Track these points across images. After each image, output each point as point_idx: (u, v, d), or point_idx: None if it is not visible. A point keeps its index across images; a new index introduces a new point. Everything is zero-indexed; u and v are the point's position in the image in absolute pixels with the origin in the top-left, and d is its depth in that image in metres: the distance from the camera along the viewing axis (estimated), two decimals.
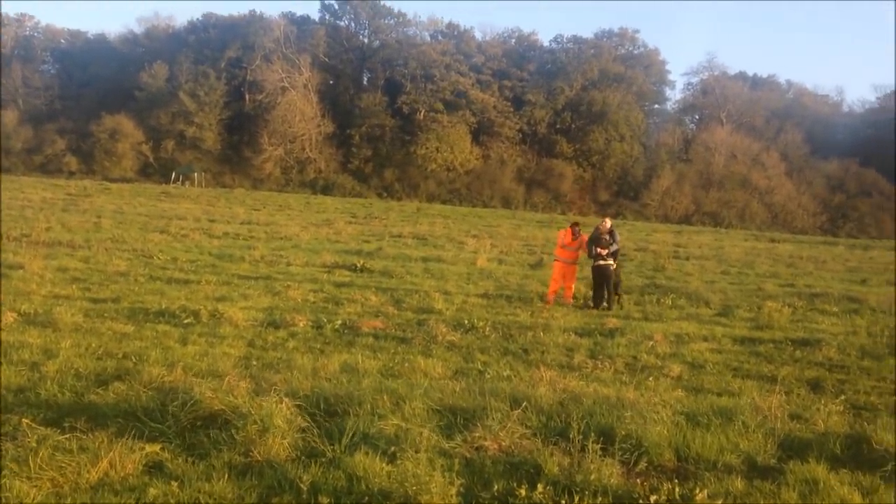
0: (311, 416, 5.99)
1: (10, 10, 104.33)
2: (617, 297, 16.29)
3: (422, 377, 8.02)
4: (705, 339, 12.69)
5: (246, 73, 76.75)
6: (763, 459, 6.03)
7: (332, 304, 14.20)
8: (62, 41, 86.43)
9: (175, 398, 5.95)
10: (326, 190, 72.20)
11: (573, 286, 16.75)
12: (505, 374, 8.74)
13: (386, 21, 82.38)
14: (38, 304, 11.69)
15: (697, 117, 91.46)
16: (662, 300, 17.44)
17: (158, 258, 20.36)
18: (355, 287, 16.75)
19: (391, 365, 8.84)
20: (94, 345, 8.91)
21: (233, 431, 5.60)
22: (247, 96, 77.43)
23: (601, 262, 15.82)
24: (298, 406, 6.08)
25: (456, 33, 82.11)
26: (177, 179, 70.31)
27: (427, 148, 73.40)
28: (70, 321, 10.14)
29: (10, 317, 10.08)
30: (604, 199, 76.93)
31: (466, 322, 12.31)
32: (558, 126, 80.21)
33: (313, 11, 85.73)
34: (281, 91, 74.70)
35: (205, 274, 17.53)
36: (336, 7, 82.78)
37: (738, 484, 5.45)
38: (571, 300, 16.48)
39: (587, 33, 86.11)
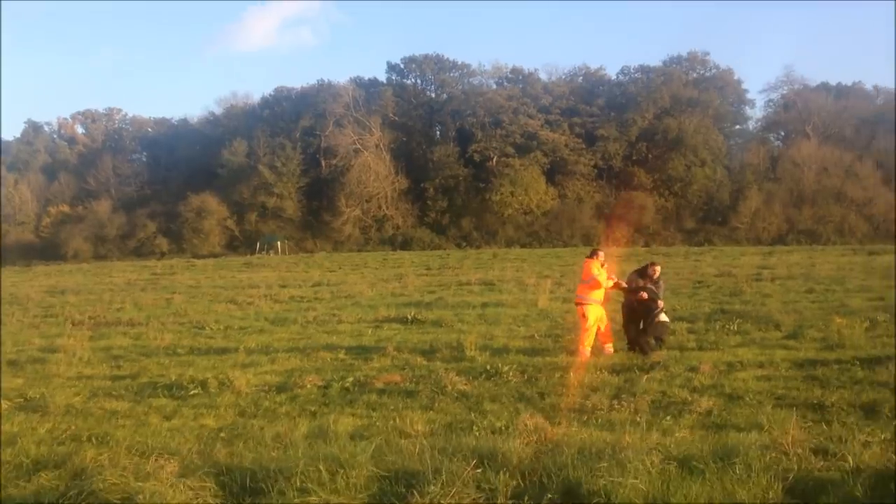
0: (233, 495, 5.33)
1: (100, 105, 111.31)
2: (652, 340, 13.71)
3: (397, 436, 7.26)
4: (760, 366, 11.42)
5: (320, 139, 78.65)
6: None
7: (360, 361, 13.62)
8: (149, 129, 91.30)
9: (79, 488, 5.42)
10: (405, 245, 72.62)
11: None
12: (498, 424, 7.86)
13: (451, 74, 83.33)
14: (54, 387, 11.56)
15: (782, 133, 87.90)
16: (727, 326, 16.07)
17: (211, 328, 20.33)
18: (396, 340, 16.15)
19: (368, 424, 8.12)
20: (73, 427, 8.59)
21: None
22: (322, 162, 79.24)
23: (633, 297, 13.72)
24: (222, 483, 5.43)
25: (520, 77, 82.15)
26: (261, 249, 72.17)
27: (502, 193, 73.03)
28: (63, 403, 9.91)
29: (3, 405, 9.92)
30: (689, 226, 74.36)
31: (490, 368, 11.46)
32: (634, 157, 78.54)
33: (380, 73, 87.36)
34: (354, 153, 76.18)
35: (248, 341, 17.28)
36: (402, 66, 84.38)
37: None
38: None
39: (655, 61, 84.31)
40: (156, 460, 5.90)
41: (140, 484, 5.31)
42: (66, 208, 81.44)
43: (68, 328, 20.29)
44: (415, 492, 5.16)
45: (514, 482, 5.46)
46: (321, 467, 5.59)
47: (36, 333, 20.00)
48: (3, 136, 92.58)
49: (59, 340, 17.05)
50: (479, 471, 5.57)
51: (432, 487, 5.21)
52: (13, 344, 18.02)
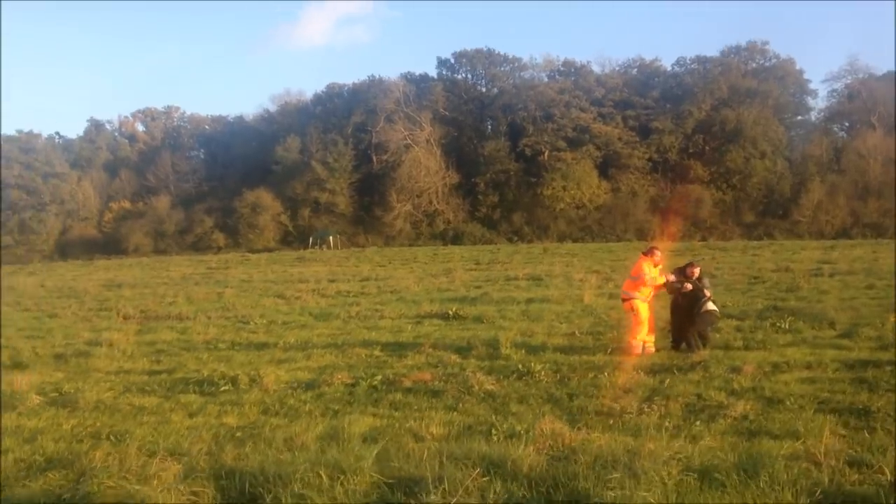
0: (231, 500, 5.19)
1: (159, 103, 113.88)
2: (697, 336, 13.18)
3: (410, 440, 7.04)
4: (808, 367, 10.87)
5: (371, 135, 78.98)
6: None
7: (394, 358, 13.44)
8: (206, 127, 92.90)
9: (74, 490, 5.35)
10: (456, 240, 72.44)
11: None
12: (519, 428, 7.55)
13: (501, 68, 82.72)
14: (91, 382, 11.67)
15: (846, 124, 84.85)
16: (778, 324, 15.42)
17: (255, 323, 20.42)
18: (434, 336, 15.93)
19: (386, 425, 7.91)
20: (97, 424, 8.60)
21: None
22: (373, 157, 79.54)
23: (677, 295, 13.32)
24: (222, 488, 5.30)
25: (572, 70, 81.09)
26: (314, 244, 72.89)
27: (553, 188, 72.25)
28: (92, 399, 9.96)
29: (34, 400, 10.02)
30: (749, 220, 72.33)
31: (522, 367, 11.16)
32: (690, 150, 76.86)
33: (430, 69, 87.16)
34: (405, 148, 76.31)
35: (288, 336, 17.28)
36: (452, 61, 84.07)
37: None
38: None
39: (712, 52, 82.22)
40: (161, 462, 5.81)
41: (137, 487, 5.22)
42: (127, 204, 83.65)
43: (118, 322, 20.62)
44: (413, 500, 4.93)
45: (521, 492, 5.19)
46: (322, 473, 5.42)
47: (87, 327, 20.40)
48: (66, 134, 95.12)
49: (106, 334, 17.31)
50: (486, 479, 5.31)
51: (433, 496, 4.99)
52: (63, 337, 18.41)
